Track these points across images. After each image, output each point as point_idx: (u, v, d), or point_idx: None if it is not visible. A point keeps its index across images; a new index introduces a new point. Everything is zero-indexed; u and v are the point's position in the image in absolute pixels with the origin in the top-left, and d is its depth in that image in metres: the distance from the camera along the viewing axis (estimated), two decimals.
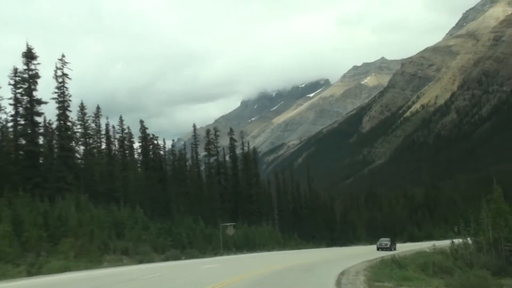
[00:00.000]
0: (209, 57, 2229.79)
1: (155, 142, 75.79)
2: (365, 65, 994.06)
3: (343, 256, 51.09)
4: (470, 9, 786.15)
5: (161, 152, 78.72)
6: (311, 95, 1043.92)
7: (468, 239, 38.99)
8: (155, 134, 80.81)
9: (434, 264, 28.27)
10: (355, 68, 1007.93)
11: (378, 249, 78.49)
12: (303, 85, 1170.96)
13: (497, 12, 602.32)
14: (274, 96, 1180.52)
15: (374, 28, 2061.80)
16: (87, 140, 65.59)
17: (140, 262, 45.19)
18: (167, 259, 49.83)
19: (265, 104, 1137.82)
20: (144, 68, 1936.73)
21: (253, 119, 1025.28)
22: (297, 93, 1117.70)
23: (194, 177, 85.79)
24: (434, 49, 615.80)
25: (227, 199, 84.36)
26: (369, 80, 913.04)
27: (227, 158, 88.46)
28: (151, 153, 74.72)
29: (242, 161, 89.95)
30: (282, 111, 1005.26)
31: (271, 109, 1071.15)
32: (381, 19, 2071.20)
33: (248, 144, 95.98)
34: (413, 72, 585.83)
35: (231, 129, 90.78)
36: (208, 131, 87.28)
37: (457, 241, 37.55)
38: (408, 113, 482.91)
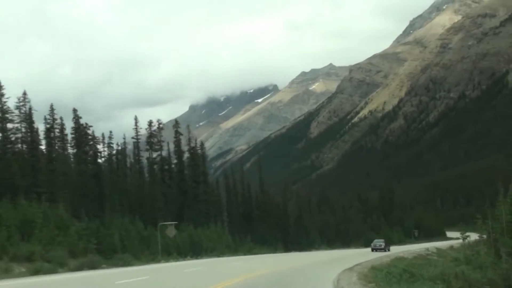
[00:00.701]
0: (157, 61, 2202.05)
1: (88, 131, 66.24)
2: (313, 71, 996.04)
3: (311, 263, 42.52)
4: (417, 16, 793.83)
5: (98, 146, 69.52)
6: (260, 100, 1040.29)
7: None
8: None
9: (457, 276, 20.66)
10: (303, 74, 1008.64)
11: (372, 250, 77.67)
12: (251, 90, 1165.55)
13: (444, 20, 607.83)
14: (222, 101, 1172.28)
15: (322, 34, 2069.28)
16: (3, 125, 56.13)
17: (37, 272, 34.75)
18: (81, 267, 39.69)
19: (213, 109, 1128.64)
20: (91, 71, 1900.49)
21: (201, 123, 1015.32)
22: (246, 98, 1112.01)
23: (135, 174, 77.02)
24: (382, 56, 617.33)
25: (171, 198, 75.51)
26: (317, 86, 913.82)
27: (173, 155, 79.43)
28: (87, 147, 65.51)
29: (189, 157, 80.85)
30: (230, 116, 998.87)
31: (220, 114, 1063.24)
32: (330, 26, 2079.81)
33: (196, 141, 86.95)
34: (361, 78, 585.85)
35: (176, 121, 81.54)
36: (150, 123, 78.10)
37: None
38: (356, 119, 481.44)
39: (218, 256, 61.30)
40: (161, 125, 78.07)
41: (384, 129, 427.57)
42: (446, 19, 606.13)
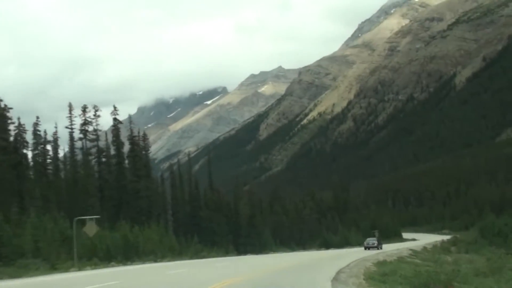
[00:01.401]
0: (104, 62, 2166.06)
1: (8, 115, 55.78)
2: (263, 73, 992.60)
3: (279, 269, 34.43)
4: (366, 20, 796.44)
5: (24, 135, 59.32)
6: (209, 102, 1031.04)
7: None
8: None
9: None
10: (252, 76, 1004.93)
11: (365, 248, 77.57)
12: (200, 92, 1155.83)
13: (392, 24, 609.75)
14: (171, 103, 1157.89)
15: (272, 37, 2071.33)
16: None
17: None
18: None
19: (162, 110, 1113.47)
20: (38, 72, 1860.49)
21: (149, 125, 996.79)
22: (195, 100, 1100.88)
23: (68, 167, 67.57)
24: (331, 58, 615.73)
25: (108, 194, 66.36)
26: (266, 89, 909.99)
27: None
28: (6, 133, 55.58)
29: (129, 147, 71.18)
30: (179, 118, 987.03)
31: (168, 116, 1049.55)
32: (279, 28, 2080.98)
33: (139, 132, 77.54)
34: (310, 80, 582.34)
35: (114, 108, 71.98)
36: (84, 108, 67.91)
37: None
38: (305, 121, 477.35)
39: (155, 260, 51.68)
40: (97, 112, 68.42)
41: (333, 131, 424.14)
42: (394, 22, 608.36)
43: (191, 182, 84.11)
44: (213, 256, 62.19)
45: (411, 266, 33.02)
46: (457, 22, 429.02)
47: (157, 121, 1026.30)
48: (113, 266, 42.56)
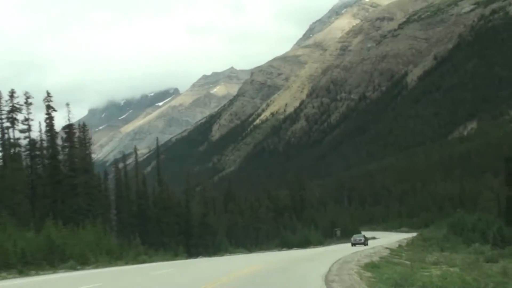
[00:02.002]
0: (54, 64, 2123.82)
1: None
2: (215, 74, 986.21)
3: (240, 280, 26.78)
4: (317, 21, 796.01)
5: None
6: (160, 104, 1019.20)
7: None
8: None
9: None
10: (204, 77, 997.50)
11: (352, 245, 78.48)
12: (152, 94, 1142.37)
13: (343, 24, 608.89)
14: (122, 105, 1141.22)
15: (223, 37, 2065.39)
16: None
17: None
18: None
19: (113, 112, 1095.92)
20: None
21: (100, 127, 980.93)
22: (146, 102, 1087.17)
23: None
24: (283, 59, 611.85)
25: (41, 191, 58.06)
26: (218, 90, 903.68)
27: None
28: None
29: (66, 137, 61.94)
30: (130, 119, 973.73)
31: (120, 118, 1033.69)
32: (231, 29, 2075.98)
33: (81, 124, 69.10)
34: (263, 80, 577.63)
35: (48, 94, 62.60)
36: (12, 93, 58.58)
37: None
38: (258, 121, 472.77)
39: (75, 268, 40.49)
40: (29, 99, 59.31)
41: (286, 130, 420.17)
42: (345, 23, 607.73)
43: (138, 179, 76.45)
44: (158, 260, 54.02)
45: (406, 268, 26.79)
46: (407, 21, 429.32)
47: (108, 123, 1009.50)
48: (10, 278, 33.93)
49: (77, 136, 60.97)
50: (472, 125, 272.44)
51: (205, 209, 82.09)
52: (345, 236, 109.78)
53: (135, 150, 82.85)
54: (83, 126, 63.34)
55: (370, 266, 28.24)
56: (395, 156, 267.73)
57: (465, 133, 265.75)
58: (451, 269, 30.97)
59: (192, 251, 73.56)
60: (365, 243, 79.32)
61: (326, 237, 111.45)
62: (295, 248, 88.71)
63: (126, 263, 44.42)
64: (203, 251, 74.36)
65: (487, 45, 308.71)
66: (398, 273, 22.16)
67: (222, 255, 73.38)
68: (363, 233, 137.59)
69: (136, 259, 47.70)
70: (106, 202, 67.32)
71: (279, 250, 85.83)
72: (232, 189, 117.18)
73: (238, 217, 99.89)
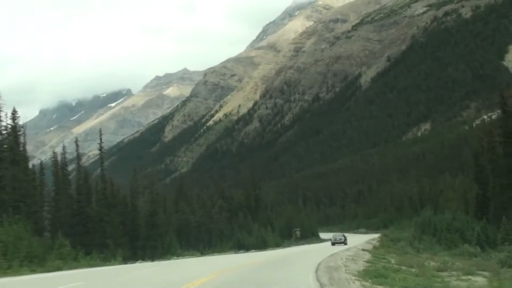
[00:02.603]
0: (4, 63, 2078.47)
1: None
2: (168, 75, 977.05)
3: None
4: (270, 22, 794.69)
5: None
6: (113, 104, 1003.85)
7: None
8: None
9: None
10: (157, 78, 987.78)
11: (333, 244, 77.95)
12: (104, 95, 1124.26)
13: (296, 26, 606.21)
14: (74, 105, 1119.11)
15: (176, 38, 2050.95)
16: None
17: None
18: None
19: (64, 113, 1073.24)
20: None
21: (52, 128, 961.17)
22: (98, 103, 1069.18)
23: None
24: (236, 60, 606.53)
25: None
26: (171, 91, 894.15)
27: None
28: None
29: None
30: (82, 120, 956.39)
31: (71, 119, 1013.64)
32: (184, 30, 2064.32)
33: (15, 117, 60.19)
34: (216, 82, 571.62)
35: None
36: None
37: None
38: (211, 122, 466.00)
39: None
40: None
41: (239, 132, 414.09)
42: (299, 24, 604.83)
43: (80, 174, 68.52)
44: (81, 266, 45.03)
45: (417, 278, 20.35)
46: (361, 23, 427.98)
47: (59, 124, 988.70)
48: None
49: (4, 125, 52.70)
50: (426, 126, 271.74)
51: (152, 207, 74.23)
52: (304, 237, 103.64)
53: (76, 142, 72.77)
54: (13, 113, 55.14)
55: (372, 275, 21.56)
56: (349, 157, 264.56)
57: (419, 134, 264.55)
58: (474, 278, 24.62)
59: (138, 254, 65.85)
60: (345, 242, 78.42)
61: (284, 238, 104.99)
62: (253, 250, 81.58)
63: (33, 271, 35.77)
64: (150, 254, 66.48)
65: (440, 47, 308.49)
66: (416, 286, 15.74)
67: (169, 258, 65.25)
68: (320, 234, 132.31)
69: (52, 265, 38.91)
70: (41, 199, 59.39)
71: (236, 253, 78.59)
72: (184, 187, 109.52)
73: (190, 217, 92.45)
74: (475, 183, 75.44)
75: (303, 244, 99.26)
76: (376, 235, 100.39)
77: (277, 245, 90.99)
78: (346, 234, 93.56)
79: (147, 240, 69.98)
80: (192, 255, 71.72)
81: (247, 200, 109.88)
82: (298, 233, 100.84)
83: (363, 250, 46.07)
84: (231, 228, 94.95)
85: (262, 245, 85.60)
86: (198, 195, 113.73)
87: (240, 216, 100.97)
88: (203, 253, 76.92)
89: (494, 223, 58.88)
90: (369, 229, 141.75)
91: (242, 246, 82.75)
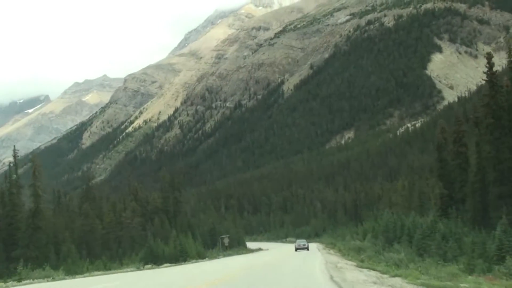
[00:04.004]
0: None
1: None
2: (87, 82, 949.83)
3: None
4: (192, 30, 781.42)
5: None
6: (30, 110, 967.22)
7: None
8: None
9: None
10: (76, 84, 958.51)
11: (296, 249, 77.56)
12: (21, 100, 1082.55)
13: (218, 34, 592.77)
14: None
15: (97, 45, 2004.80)
16: None
17: None
18: None
19: None
20: None
21: None
22: (15, 108, 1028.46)
23: None
24: (157, 67, 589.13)
25: None
26: (90, 97, 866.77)
27: None
28: None
29: None
30: None
31: None
32: (105, 37, 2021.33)
33: None
34: (136, 88, 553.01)
35: None
36: None
37: None
38: (130, 129, 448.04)
39: None
40: None
41: (159, 139, 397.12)
42: (221, 32, 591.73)
43: None
44: None
45: None
46: (283, 30, 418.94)
47: None
48: None
49: None
50: (349, 134, 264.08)
51: (36, 203, 56.38)
52: (230, 246, 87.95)
53: None
54: None
55: None
56: (272, 164, 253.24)
57: (343, 142, 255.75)
58: None
59: (10, 269, 47.75)
60: (308, 248, 78.62)
61: (208, 247, 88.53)
62: (166, 265, 63.66)
63: None
64: (32, 266, 47.77)
65: (364, 55, 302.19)
66: None
67: (53, 278, 45.78)
68: (247, 243, 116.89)
69: None
70: None
71: (138, 269, 58.72)
72: (91, 190, 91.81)
73: (96, 222, 75.25)
74: (439, 181, 61.78)
75: (232, 254, 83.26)
76: (314, 244, 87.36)
77: (200, 255, 74.41)
78: (277, 244, 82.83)
79: (27, 248, 52.22)
80: (89, 272, 52.38)
81: (165, 203, 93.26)
82: (226, 241, 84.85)
83: (348, 264, 31.22)
84: (145, 235, 78.02)
85: (181, 256, 68.70)
86: (108, 197, 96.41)
87: (156, 221, 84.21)
88: (106, 266, 59.10)
89: (472, 227, 45.53)
90: (299, 237, 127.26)
91: (155, 257, 65.56)
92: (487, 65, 46.09)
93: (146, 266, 60.31)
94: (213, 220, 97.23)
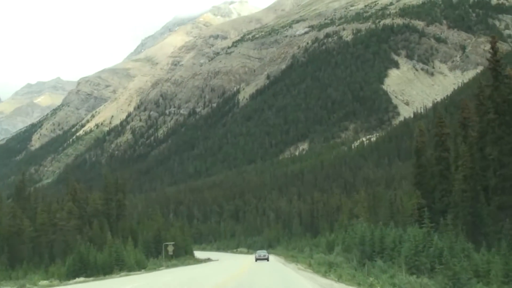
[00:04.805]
0: None
1: None
2: (40, 83, 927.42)
3: None
4: (149, 36, 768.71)
5: None
6: None
7: None
8: None
9: None
10: (28, 86, 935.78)
11: (256, 260, 76.44)
12: None
13: (176, 41, 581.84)
14: None
15: (52, 46, 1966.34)
16: None
17: None
18: None
19: None
20: None
21: None
22: None
23: None
24: (112, 71, 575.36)
25: None
26: (42, 100, 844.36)
27: None
28: None
29: None
30: None
31: None
32: (59, 39, 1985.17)
33: None
34: (89, 91, 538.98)
35: None
36: None
37: None
38: (81, 132, 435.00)
39: None
40: None
41: (110, 143, 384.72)
42: (178, 39, 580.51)
43: None
44: None
45: None
46: (241, 40, 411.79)
47: None
48: None
49: None
50: (304, 146, 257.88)
51: None
52: (176, 255, 78.43)
53: None
54: None
55: None
56: (224, 173, 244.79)
57: (297, 153, 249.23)
58: None
59: None
60: (268, 258, 77.32)
61: (151, 255, 78.49)
62: (93, 278, 52.34)
63: None
64: None
65: (321, 67, 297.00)
66: None
67: None
68: (195, 252, 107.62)
69: None
70: None
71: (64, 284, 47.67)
72: (25, 185, 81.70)
73: (25, 223, 65.43)
74: (417, 190, 54.12)
75: (177, 265, 73.41)
76: (271, 257, 79.13)
77: (140, 264, 64.46)
78: (227, 254, 75.05)
79: None
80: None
81: (107, 205, 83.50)
82: (171, 248, 74.92)
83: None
84: (81, 240, 68.07)
85: (116, 265, 58.66)
86: (44, 196, 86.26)
87: (94, 225, 74.36)
88: (27, 274, 49.33)
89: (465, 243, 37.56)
90: (251, 248, 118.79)
91: (85, 266, 55.56)
92: (491, 50, 38.27)
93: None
94: (158, 226, 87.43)
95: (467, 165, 41.45)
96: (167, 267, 68.65)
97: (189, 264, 76.66)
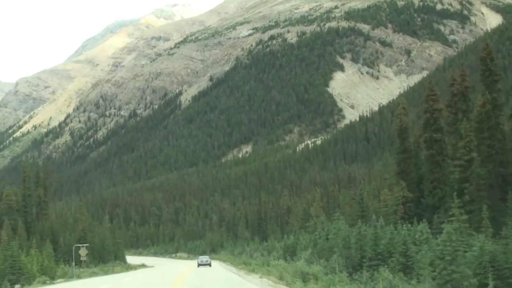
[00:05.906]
0: None
1: None
2: None
3: None
4: (90, 38, 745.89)
5: None
6: None
7: None
8: None
9: None
10: None
11: (199, 265, 72.58)
12: None
13: (117, 42, 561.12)
14: None
15: None
16: None
17: None
18: None
19: None
20: None
21: None
22: None
23: None
24: (52, 72, 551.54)
25: None
26: None
27: None
28: None
29: None
30: None
31: None
32: None
33: None
34: (28, 92, 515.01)
35: None
36: None
37: None
38: (18, 133, 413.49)
39: None
40: None
41: (48, 145, 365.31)
42: (119, 41, 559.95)
43: None
44: None
45: None
46: (184, 41, 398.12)
47: None
48: None
49: None
50: (247, 148, 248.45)
51: None
52: (105, 260, 65.34)
53: None
54: None
55: None
56: (165, 175, 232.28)
57: (240, 156, 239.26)
58: None
59: None
60: (210, 264, 73.57)
61: (72, 261, 63.62)
62: None
63: None
64: None
65: (265, 69, 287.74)
66: None
67: None
68: (128, 257, 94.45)
69: None
70: None
71: None
72: None
73: None
74: (402, 181, 42.60)
75: (97, 273, 59.49)
76: (215, 263, 67.07)
77: (47, 273, 50.25)
78: (165, 260, 62.85)
79: None
80: None
81: (24, 202, 69.61)
82: (83, 252, 59.99)
83: None
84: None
85: (11, 274, 44.50)
86: None
87: (5, 225, 60.62)
88: None
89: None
90: (192, 253, 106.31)
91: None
92: None
93: None
94: (84, 227, 73.60)
95: (485, 143, 30.28)
96: (79, 277, 53.59)
97: (113, 272, 62.37)
